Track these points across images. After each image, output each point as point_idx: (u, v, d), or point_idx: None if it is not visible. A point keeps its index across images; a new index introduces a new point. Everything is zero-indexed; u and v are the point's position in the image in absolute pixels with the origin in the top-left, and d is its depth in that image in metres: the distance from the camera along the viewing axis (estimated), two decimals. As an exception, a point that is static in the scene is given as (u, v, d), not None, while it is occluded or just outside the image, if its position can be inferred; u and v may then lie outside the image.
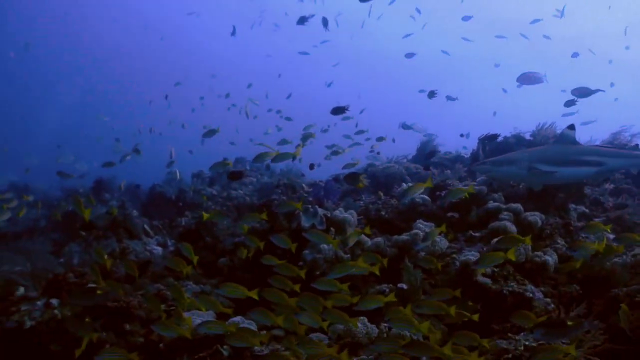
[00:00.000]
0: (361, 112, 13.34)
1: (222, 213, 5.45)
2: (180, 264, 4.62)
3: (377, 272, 4.23)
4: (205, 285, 6.30)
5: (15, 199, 11.37)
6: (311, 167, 9.15)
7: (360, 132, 11.60)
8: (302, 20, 10.29)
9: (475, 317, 3.86)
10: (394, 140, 11.83)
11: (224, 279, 6.54)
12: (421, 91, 10.92)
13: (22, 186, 12.55)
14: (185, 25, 49.88)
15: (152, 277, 6.64)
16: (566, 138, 5.79)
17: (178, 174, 11.58)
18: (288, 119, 13.99)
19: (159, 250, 7.82)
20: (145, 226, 8.29)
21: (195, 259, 4.95)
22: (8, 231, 9.92)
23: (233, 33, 11.98)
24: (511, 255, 4.01)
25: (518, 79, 9.82)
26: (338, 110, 8.36)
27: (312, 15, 10.05)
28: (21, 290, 4.75)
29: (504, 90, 17.56)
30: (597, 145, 6.40)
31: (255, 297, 3.93)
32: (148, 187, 11.75)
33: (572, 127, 5.75)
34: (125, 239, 7.49)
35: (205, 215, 5.54)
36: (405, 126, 12.27)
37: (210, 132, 8.91)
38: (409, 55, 15.76)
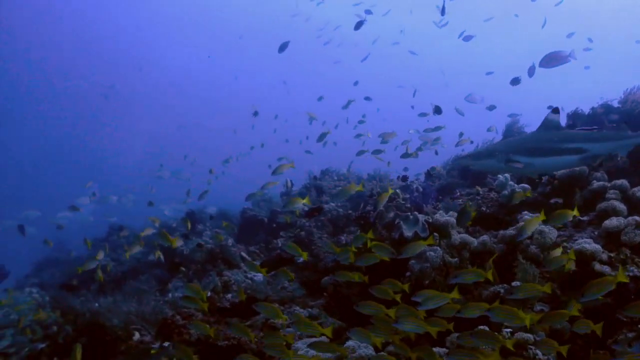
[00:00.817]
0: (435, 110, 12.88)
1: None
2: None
3: (490, 277, 3.85)
4: (313, 308, 6.12)
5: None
6: (404, 179, 9.05)
7: (438, 128, 11.26)
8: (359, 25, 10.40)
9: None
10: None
11: (330, 298, 6.38)
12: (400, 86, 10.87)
13: (116, 227, 13.04)
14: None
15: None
16: (550, 123, 5.46)
17: (262, 194, 11.60)
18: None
19: (259, 276, 7.77)
20: (243, 253, 8.29)
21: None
22: (117, 273, 10.28)
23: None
24: None
25: (541, 63, 8.84)
26: (437, 110, 8.27)
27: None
28: (137, 335, 4.78)
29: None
30: (580, 129, 5.99)
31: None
32: (239, 212, 11.85)
33: (556, 110, 5.44)
34: (225, 269, 7.48)
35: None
36: (470, 99, 11.66)
37: (323, 135, 9.90)
38: (467, 39, 15.23)
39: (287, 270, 5.70)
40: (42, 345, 5.55)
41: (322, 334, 3.86)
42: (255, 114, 12.84)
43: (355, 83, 14.15)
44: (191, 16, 56.54)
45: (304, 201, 5.94)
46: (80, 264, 10.80)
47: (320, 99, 14.46)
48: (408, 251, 4.31)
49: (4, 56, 45.82)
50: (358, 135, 12.12)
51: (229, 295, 6.27)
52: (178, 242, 7.32)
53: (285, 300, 6.63)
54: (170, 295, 7.08)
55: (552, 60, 8.81)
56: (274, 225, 10.15)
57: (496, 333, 3.54)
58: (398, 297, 4.07)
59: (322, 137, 10.34)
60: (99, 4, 51.93)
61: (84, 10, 50.22)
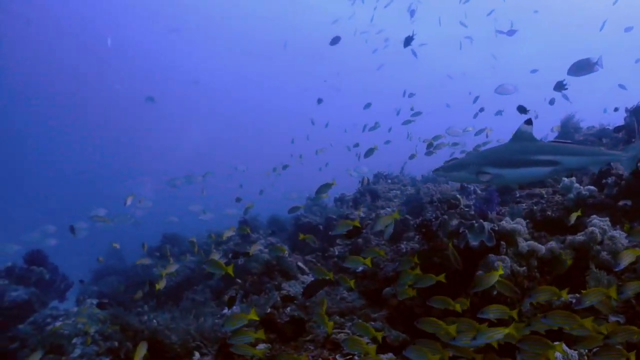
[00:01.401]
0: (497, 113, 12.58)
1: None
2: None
3: (566, 296, 3.68)
4: (376, 322, 5.97)
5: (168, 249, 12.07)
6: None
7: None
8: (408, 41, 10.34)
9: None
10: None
11: (392, 310, 6.23)
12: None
13: (170, 236, 13.20)
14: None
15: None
16: (522, 135, 5.35)
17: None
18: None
19: (318, 287, 7.67)
20: (299, 263, 8.22)
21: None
22: (171, 283, 10.37)
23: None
24: None
25: (569, 72, 8.57)
26: (522, 110, 8.07)
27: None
28: (197, 355, 4.75)
29: None
30: (554, 141, 5.96)
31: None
32: (291, 217, 11.80)
33: (529, 122, 5.33)
34: (282, 281, 7.41)
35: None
36: (501, 90, 11.32)
37: (370, 151, 9.70)
38: (511, 33, 14.90)
39: (346, 278, 5.63)
40: (107, 359, 5.63)
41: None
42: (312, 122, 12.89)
43: (411, 95, 13.95)
44: (237, 30, 57.50)
45: (394, 217, 5.88)
46: (142, 274, 11.05)
47: (367, 106, 14.36)
48: (481, 284, 4.21)
49: (61, 66, 47.98)
50: (409, 137, 11.96)
51: (288, 309, 6.20)
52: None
53: (345, 312, 6.52)
54: (227, 310, 7.06)
55: (580, 68, 8.49)
56: (330, 232, 10.03)
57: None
58: (458, 307, 4.06)
59: (369, 153, 10.25)
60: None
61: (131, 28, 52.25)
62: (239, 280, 7.93)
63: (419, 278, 4.67)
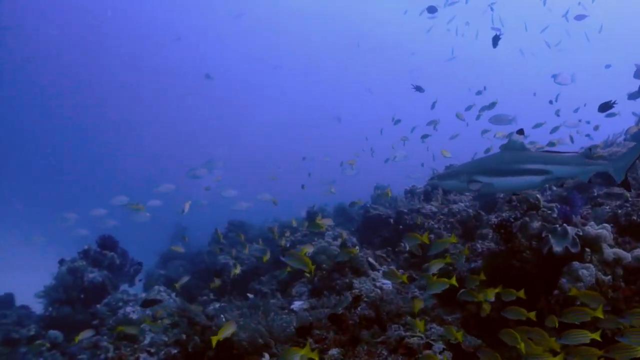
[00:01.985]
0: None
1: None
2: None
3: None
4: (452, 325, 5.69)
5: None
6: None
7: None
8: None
9: None
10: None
11: (467, 313, 5.96)
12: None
13: (237, 223, 13.26)
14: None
15: (389, 317, 6.27)
16: (514, 144, 5.46)
17: (390, 192, 11.20)
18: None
19: (388, 284, 7.45)
20: (370, 259, 8.02)
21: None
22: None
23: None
24: None
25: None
26: (605, 107, 7.68)
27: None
28: (267, 357, 4.64)
29: None
30: (544, 152, 6.02)
31: None
32: (361, 209, 11.61)
33: (520, 131, 5.46)
34: (353, 278, 7.23)
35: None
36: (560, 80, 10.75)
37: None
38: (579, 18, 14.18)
39: (431, 276, 5.45)
40: (175, 351, 5.64)
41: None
42: (396, 122, 12.65)
43: (479, 92, 13.46)
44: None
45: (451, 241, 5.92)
46: (207, 261, 11.17)
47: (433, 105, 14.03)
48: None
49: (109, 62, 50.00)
50: (484, 132, 11.53)
51: (359, 308, 6.02)
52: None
53: (418, 312, 6.27)
54: (296, 303, 6.95)
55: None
56: (400, 226, 9.78)
57: None
58: (533, 315, 4.04)
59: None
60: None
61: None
62: (307, 274, 7.80)
63: (502, 292, 4.56)
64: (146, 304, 7.29)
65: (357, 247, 8.16)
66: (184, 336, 5.65)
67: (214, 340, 4.36)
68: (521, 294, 4.38)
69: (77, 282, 8.86)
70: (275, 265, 10.14)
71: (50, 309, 8.78)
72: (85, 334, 5.96)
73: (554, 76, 10.72)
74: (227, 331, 4.53)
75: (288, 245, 9.69)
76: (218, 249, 11.06)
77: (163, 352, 5.64)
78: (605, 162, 5.51)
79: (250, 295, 8.12)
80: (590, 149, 5.52)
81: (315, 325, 5.18)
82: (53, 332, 7.68)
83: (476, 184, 5.31)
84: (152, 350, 5.64)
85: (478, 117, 12.07)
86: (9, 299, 10.44)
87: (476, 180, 5.29)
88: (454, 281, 5.12)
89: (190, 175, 12.60)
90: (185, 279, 8.36)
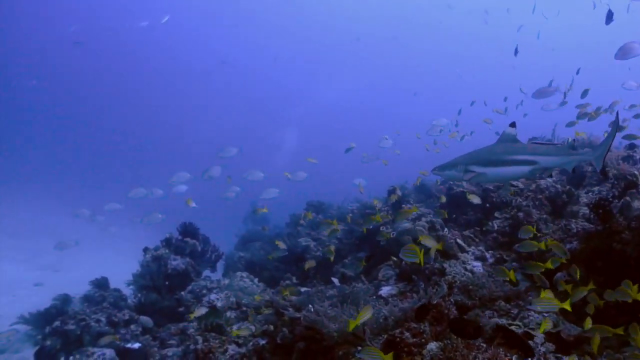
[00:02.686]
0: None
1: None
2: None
3: None
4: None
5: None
6: None
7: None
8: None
9: None
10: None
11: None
12: None
13: (315, 204, 13.10)
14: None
15: (481, 302, 5.94)
16: (507, 137, 5.79)
17: None
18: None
19: (479, 266, 7.10)
20: (459, 240, 7.67)
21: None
22: (319, 254, 10.29)
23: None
24: None
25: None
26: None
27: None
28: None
29: None
30: (533, 143, 6.12)
31: None
32: (444, 187, 11.18)
33: (513, 124, 5.76)
34: (443, 262, 6.91)
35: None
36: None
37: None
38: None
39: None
40: (263, 342, 5.55)
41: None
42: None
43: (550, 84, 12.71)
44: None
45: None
46: (288, 243, 11.08)
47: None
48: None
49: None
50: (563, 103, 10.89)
51: (452, 298, 5.72)
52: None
53: (511, 297, 5.91)
54: (384, 289, 6.72)
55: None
56: (487, 204, 9.31)
57: None
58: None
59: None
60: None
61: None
62: (394, 258, 7.55)
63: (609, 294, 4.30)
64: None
65: (446, 230, 7.79)
66: (271, 327, 5.56)
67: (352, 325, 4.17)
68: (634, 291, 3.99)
69: (162, 270, 9.02)
70: (357, 246, 9.94)
71: (139, 295, 8.99)
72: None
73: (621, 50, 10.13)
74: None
75: (371, 227, 9.44)
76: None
77: (251, 344, 5.56)
78: (587, 152, 5.83)
79: (335, 280, 7.94)
80: (574, 140, 6.06)
81: (409, 317, 4.91)
82: (144, 318, 7.87)
83: (471, 174, 5.64)
84: (240, 341, 5.57)
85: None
86: (104, 282, 10.81)
87: (471, 171, 5.63)
88: (549, 265, 4.97)
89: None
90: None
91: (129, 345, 6.95)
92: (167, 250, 9.23)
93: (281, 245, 8.39)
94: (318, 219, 12.02)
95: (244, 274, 8.56)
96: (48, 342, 7.47)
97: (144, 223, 10.34)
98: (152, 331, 7.85)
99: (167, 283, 8.90)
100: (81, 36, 46.79)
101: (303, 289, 7.50)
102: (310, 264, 8.83)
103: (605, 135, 7.24)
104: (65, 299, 11.12)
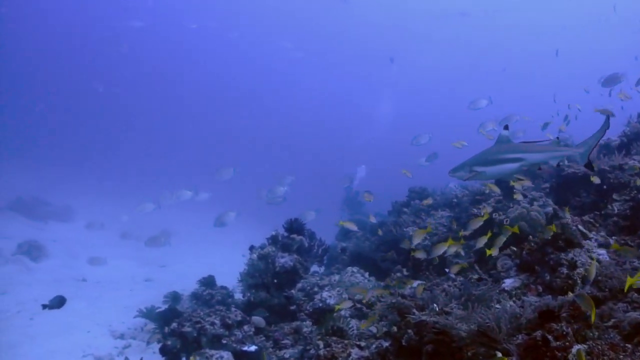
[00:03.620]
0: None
1: None
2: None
3: None
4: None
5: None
6: None
7: None
8: None
9: None
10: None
11: None
12: None
13: (418, 190, 12.81)
14: None
15: (612, 294, 5.55)
16: (502, 139, 6.29)
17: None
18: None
19: (604, 254, 6.65)
20: (580, 226, 7.22)
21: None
22: (427, 244, 10.07)
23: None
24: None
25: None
26: None
27: None
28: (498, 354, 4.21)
29: None
30: (522, 142, 6.55)
31: None
32: (553, 169, 10.58)
33: (506, 127, 6.33)
34: (568, 252, 6.51)
35: None
36: None
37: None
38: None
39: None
40: (387, 344, 5.44)
41: None
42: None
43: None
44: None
45: None
46: (395, 232, 10.90)
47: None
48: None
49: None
50: None
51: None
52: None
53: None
54: (507, 282, 6.43)
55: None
56: (604, 186, 8.72)
57: None
58: None
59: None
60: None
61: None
62: (513, 248, 7.22)
63: None
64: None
65: (568, 216, 7.36)
66: (395, 328, 5.42)
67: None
68: None
69: (269, 268, 9.10)
70: (470, 236, 9.58)
71: (248, 294, 9.11)
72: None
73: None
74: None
75: (482, 214, 9.10)
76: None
77: (374, 346, 5.45)
78: (570, 147, 6.42)
79: (450, 273, 7.69)
80: (557, 137, 6.62)
81: (544, 315, 4.61)
82: (257, 318, 7.97)
83: (473, 174, 6.15)
84: (362, 344, 5.47)
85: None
86: (211, 280, 11.15)
87: (475, 170, 6.14)
88: None
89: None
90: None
91: (245, 348, 7.04)
92: (273, 248, 9.31)
93: (407, 243, 8.23)
94: (420, 206, 11.76)
95: (354, 269, 8.48)
96: (169, 342, 7.75)
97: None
98: (264, 331, 7.94)
99: (275, 281, 8.99)
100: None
101: (415, 282, 7.33)
102: (419, 253, 8.65)
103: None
104: (175, 296, 11.61)
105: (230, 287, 11.71)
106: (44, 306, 7.61)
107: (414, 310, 5.34)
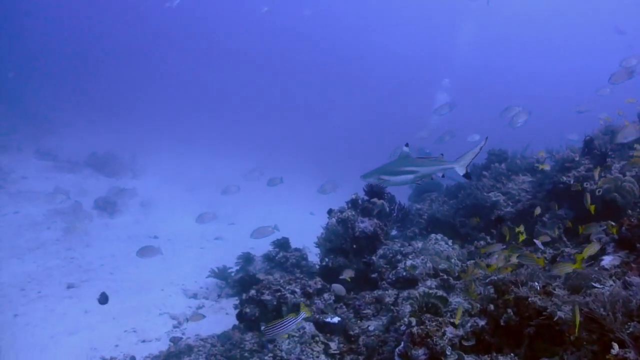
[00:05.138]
0: None
1: None
2: None
3: None
4: None
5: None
6: None
7: None
8: None
9: None
10: None
11: None
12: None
13: (497, 152, 12.27)
14: None
15: None
16: (403, 154, 7.46)
17: None
18: None
19: None
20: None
21: None
22: (510, 211, 9.65)
23: None
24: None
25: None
26: None
27: None
28: (616, 348, 3.87)
29: None
30: (417, 158, 7.56)
31: None
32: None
33: (407, 145, 7.49)
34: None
35: None
36: None
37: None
38: None
39: None
40: (482, 323, 5.17)
41: None
42: None
43: None
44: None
45: None
46: (477, 196, 10.50)
47: None
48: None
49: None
50: None
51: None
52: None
53: None
54: (606, 259, 5.99)
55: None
56: None
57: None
58: None
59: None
60: None
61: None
62: (611, 222, 6.72)
63: None
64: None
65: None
66: (491, 306, 5.14)
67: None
68: None
69: (348, 233, 8.92)
70: (556, 199, 9.07)
71: (326, 259, 9.00)
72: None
73: None
74: None
75: (570, 182, 8.58)
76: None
77: (469, 325, 5.18)
78: (451, 162, 7.18)
79: (538, 242, 7.31)
80: (442, 154, 7.46)
81: None
82: (337, 286, 7.87)
83: (381, 180, 7.38)
84: (457, 322, 5.21)
85: None
86: (285, 243, 11.19)
87: (382, 178, 7.31)
88: None
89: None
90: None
91: (328, 319, 6.95)
92: (353, 212, 9.13)
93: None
94: (501, 169, 11.27)
95: (438, 236, 8.16)
96: (247, 310, 7.75)
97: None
98: (343, 299, 7.81)
99: (354, 246, 8.83)
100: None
101: (496, 247, 7.01)
102: (502, 221, 8.29)
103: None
104: (248, 258, 11.70)
105: (301, 246, 11.73)
106: (99, 301, 8.01)
107: (514, 288, 5.04)
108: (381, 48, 66.16)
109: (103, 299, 7.60)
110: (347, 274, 8.19)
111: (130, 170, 24.63)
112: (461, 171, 7.19)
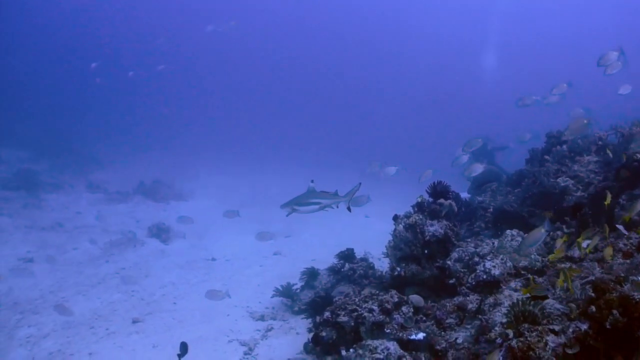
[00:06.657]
0: None
1: None
2: None
3: None
4: None
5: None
6: None
7: None
8: None
9: None
10: None
11: None
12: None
13: (556, 134, 11.78)
14: None
15: None
16: (311, 189, 8.82)
17: None
18: None
19: None
20: None
21: None
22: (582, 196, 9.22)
23: None
24: None
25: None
26: None
27: None
28: None
29: None
30: (320, 192, 8.95)
31: None
32: None
33: (312, 181, 8.86)
34: None
35: None
36: None
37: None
38: None
39: None
40: (585, 326, 4.86)
41: None
42: None
43: None
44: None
45: None
46: (547, 184, 10.08)
47: None
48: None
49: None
50: None
51: None
52: None
53: None
54: None
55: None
56: None
57: None
58: None
59: None
60: None
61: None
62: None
63: None
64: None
65: None
66: (593, 308, 4.82)
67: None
68: None
69: (418, 238, 8.67)
70: (626, 182, 8.58)
71: (397, 269, 8.76)
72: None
73: None
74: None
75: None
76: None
77: (571, 330, 4.86)
78: (341, 196, 8.65)
79: (621, 227, 6.87)
80: (336, 190, 8.80)
81: None
82: (415, 297, 7.59)
83: (294, 210, 8.55)
84: (556, 328, 4.90)
85: None
86: (351, 254, 11.05)
87: (294, 208, 8.53)
88: None
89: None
90: None
91: (412, 336, 6.68)
92: (420, 216, 8.88)
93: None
94: (563, 152, 10.80)
95: (514, 232, 7.81)
96: (324, 333, 7.58)
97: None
98: (422, 309, 7.54)
99: (425, 252, 8.59)
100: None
101: (585, 243, 6.61)
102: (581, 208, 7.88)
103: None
104: (313, 273, 11.51)
105: (361, 253, 11.51)
106: (179, 356, 7.95)
107: (616, 286, 4.71)
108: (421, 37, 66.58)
109: (183, 351, 7.54)
110: (416, 301, 7.73)
111: (180, 194, 24.94)
112: (346, 205, 8.76)
